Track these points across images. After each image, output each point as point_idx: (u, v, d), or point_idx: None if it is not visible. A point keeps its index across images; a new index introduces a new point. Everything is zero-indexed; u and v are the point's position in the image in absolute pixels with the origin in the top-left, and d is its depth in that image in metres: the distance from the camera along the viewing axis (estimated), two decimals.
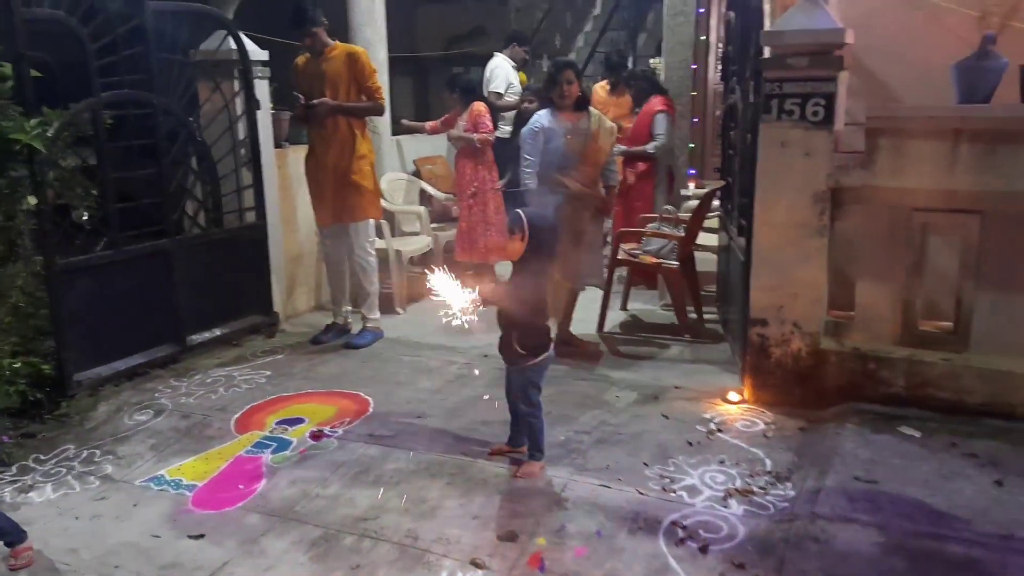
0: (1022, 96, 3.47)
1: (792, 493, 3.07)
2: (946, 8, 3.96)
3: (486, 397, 4.01)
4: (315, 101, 4.71)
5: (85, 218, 4.24)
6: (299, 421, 3.91)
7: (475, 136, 5.80)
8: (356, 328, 5.19)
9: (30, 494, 3.28)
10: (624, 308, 5.61)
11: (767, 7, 4.09)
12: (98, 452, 3.62)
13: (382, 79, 5.86)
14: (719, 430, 3.66)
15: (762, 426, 3.69)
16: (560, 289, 4.62)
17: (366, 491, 3.22)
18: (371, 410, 4.02)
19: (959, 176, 3.47)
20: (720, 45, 6.73)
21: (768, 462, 3.34)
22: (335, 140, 4.84)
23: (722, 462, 3.35)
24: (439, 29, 12.36)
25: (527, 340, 3.22)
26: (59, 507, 3.17)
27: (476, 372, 4.47)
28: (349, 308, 5.23)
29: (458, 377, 4.44)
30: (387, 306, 5.61)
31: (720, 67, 6.49)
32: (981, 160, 3.42)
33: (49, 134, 3.79)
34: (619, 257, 5.18)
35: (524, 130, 4.50)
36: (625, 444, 3.56)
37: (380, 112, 5.12)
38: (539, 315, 3.25)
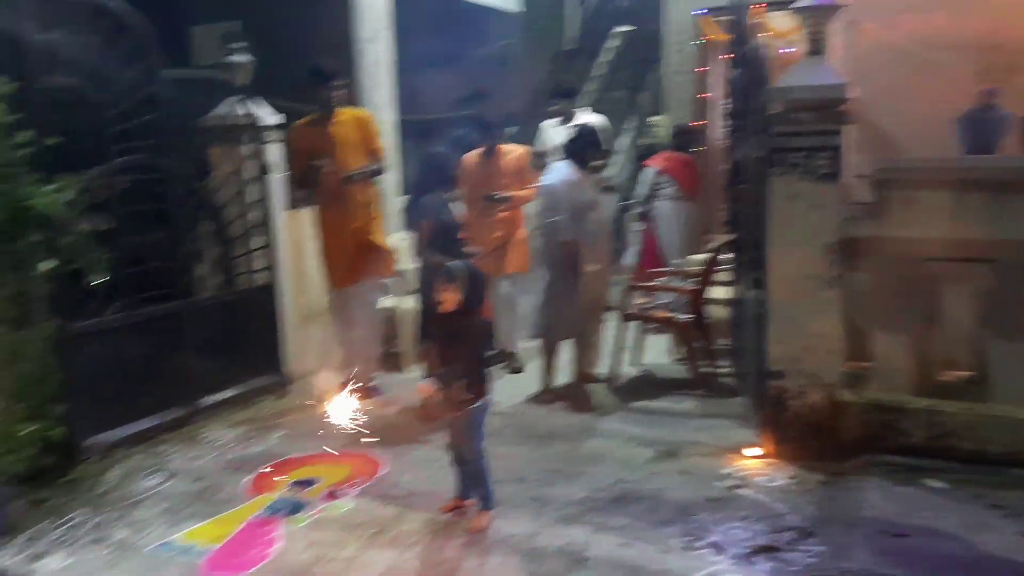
0: None
1: (819, 548, 3.01)
2: (946, 63, 4.04)
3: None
4: (359, 169, 4.75)
5: (98, 283, 4.25)
6: (312, 482, 3.86)
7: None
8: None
9: (42, 561, 3.21)
10: (637, 363, 5.58)
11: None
12: (110, 518, 3.57)
13: (391, 140, 5.97)
14: (739, 486, 3.60)
15: (783, 480, 3.63)
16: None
17: (383, 552, 3.17)
18: (384, 470, 3.97)
19: (968, 226, 3.50)
20: (723, 101, 6.85)
21: (792, 517, 3.28)
22: (353, 202, 4.83)
23: (745, 518, 3.29)
24: (443, 92, 12.63)
25: (473, 385, 3.27)
26: (71, 575, 3.11)
27: (488, 428, 4.41)
28: (358, 369, 5.18)
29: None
30: (397, 365, 5.59)
31: (724, 123, 6.60)
32: (990, 209, 3.46)
33: (65, 200, 3.83)
34: (629, 311, 5.18)
35: (552, 183, 4.62)
36: (644, 501, 3.50)
37: (384, 172, 5.21)
38: (481, 360, 3.33)
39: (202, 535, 3.39)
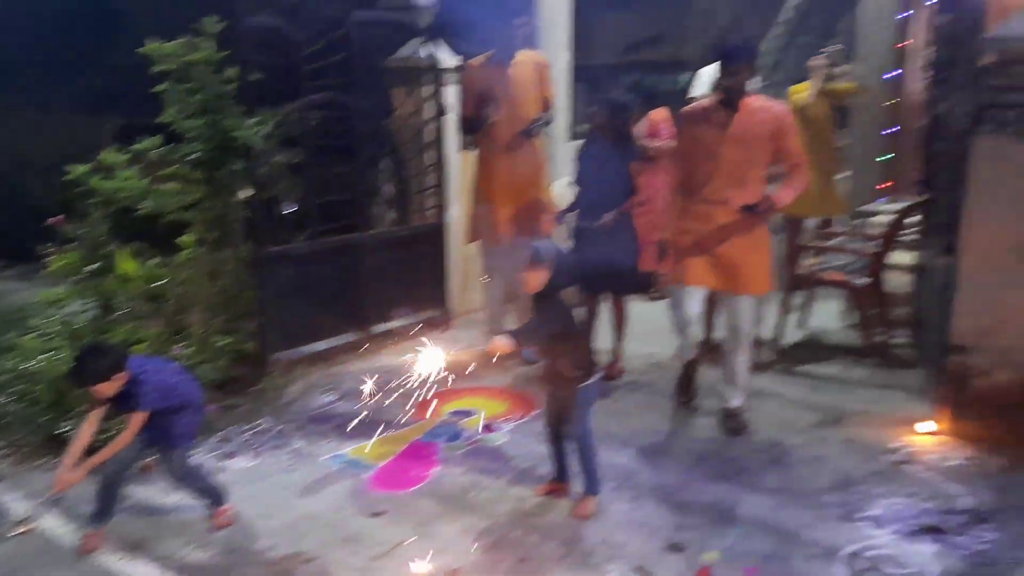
0: None
1: (994, 536, 2.82)
2: None
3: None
4: (541, 120, 4.60)
5: (288, 211, 4.58)
6: (471, 413, 4.04)
7: (650, 145, 5.63)
8: None
9: (230, 461, 3.58)
10: (802, 326, 5.35)
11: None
12: (289, 427, 3.90)
13: (564, 85, 5.93)
14: (908, 461, 3.42)
15: (959, 461, 3.40)
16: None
17: (535, 487, 3.28)
18: (539, 409, 4.07)
19: None
20: (925, 50, 6.29)
21: (965, 500, 3.08)
22: (521, 153, 4.62)
23: (911, 495, 3.12)
24: (616, 37, 12.33)
25: (578, 363, 3.05)
26: (254, 475, 3.45)
27: (642, 380, 4.42)
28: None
29: (627, 384, 4.41)
30: None
31: (924, 74, 6.07)
32: None
33: (263, 133, 4.13)
34: (800, 273, 4.95)
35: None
36: (802, 467, 3.40)
37: (552, 122, 5.06)
38: (581, 337, 3.16)
39: (368, 452, 3.65)
